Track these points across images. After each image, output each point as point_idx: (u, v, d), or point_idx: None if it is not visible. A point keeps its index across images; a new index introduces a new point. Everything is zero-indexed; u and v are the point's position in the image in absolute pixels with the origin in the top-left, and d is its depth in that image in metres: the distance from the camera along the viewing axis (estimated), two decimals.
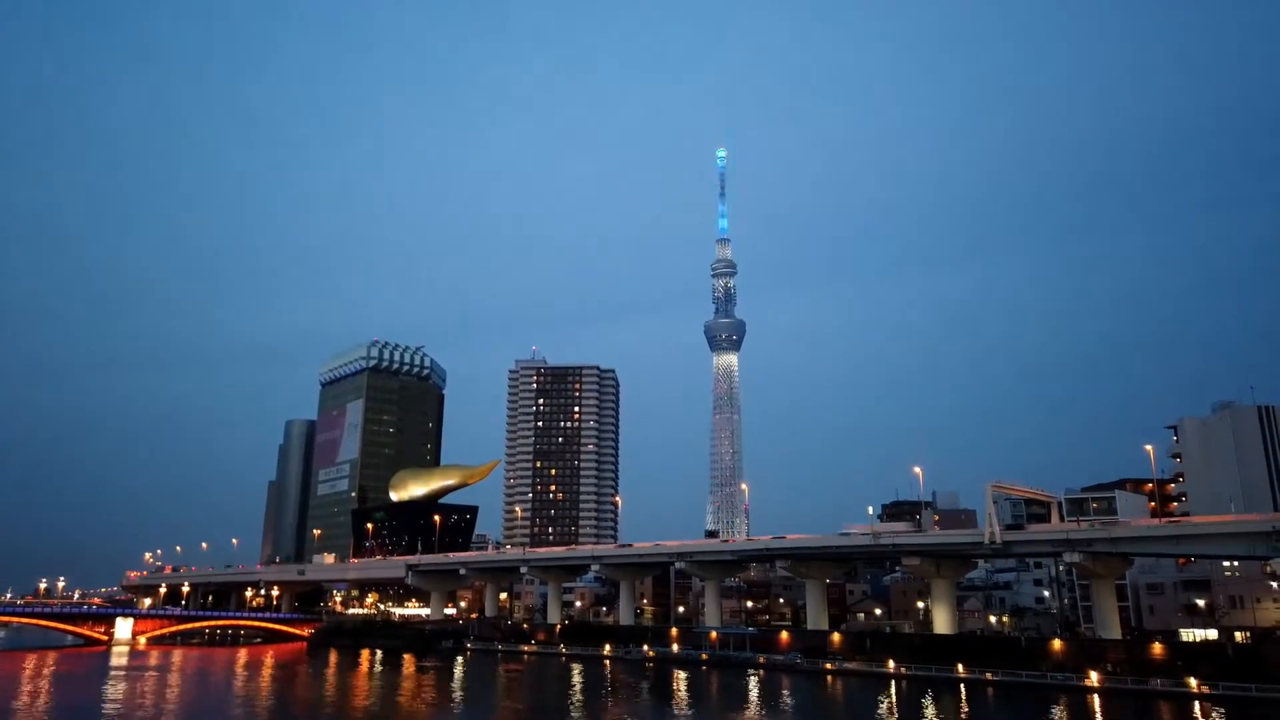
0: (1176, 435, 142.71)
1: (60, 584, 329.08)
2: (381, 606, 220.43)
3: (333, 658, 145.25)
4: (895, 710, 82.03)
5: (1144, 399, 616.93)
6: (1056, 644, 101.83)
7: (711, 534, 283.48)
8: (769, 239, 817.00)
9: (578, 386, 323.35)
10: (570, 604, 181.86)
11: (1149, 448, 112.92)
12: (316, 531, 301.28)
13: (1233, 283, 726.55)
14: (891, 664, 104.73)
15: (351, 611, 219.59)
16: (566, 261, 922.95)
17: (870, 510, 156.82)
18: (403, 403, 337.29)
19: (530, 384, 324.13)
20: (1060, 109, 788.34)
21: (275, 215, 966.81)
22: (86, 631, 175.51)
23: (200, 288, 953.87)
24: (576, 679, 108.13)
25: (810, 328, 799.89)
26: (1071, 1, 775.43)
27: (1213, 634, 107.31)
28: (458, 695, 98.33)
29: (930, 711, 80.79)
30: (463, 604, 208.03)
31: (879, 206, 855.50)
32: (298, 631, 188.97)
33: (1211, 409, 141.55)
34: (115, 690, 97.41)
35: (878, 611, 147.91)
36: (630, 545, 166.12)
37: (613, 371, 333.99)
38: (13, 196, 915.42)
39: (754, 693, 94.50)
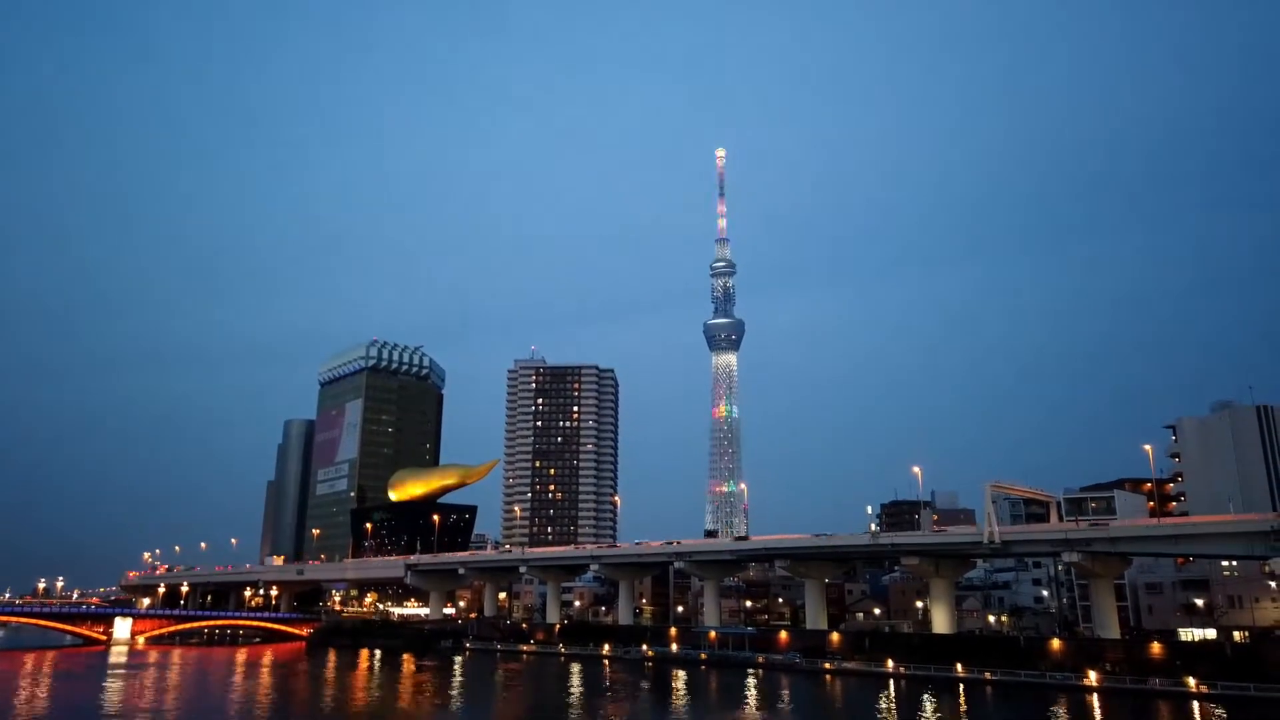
0: (1175, 435, 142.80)
1: (59, 584, 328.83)
2: (380, 606, 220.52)
3: (331, 657, 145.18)
4: (894, 710, 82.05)
5: (1143, 399, 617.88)
6: (1055, 643, 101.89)
7: (710, 534, 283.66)
8: (768, 239, 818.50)
9: (577, 386, 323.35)
10: (569, 604, 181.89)
11: (1148, 448, 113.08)
12: (315, 531, 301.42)
13: (1232, 283, 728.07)
14: (890, 663, 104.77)
15: (350, 611, 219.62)
16: (566, 261, 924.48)
17: (869, 510, 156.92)
18: (402, 402, 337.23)
19: (529, 384, 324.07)
20: (1060, 109, 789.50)
21: (275, 215, 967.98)
22: (85, 631, 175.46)
23: (200, 288, 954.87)
24: (575, 679, 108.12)
25: (810, 327, 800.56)
26: (1071, 1, 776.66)
27: (1211, 633, 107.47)
28: (457, 695, 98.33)
29: (929, 711, 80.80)
30: (462, 604, 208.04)
31: (879, 206, 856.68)
32: (296, 631, 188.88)
33: (1210, 409, 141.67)
34: (114, 690, 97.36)
35: (876, 611, 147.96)
36: (629, 545, 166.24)
37: (612, 371, 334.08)
38: (13, 196, 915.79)
39: (753, 692, 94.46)
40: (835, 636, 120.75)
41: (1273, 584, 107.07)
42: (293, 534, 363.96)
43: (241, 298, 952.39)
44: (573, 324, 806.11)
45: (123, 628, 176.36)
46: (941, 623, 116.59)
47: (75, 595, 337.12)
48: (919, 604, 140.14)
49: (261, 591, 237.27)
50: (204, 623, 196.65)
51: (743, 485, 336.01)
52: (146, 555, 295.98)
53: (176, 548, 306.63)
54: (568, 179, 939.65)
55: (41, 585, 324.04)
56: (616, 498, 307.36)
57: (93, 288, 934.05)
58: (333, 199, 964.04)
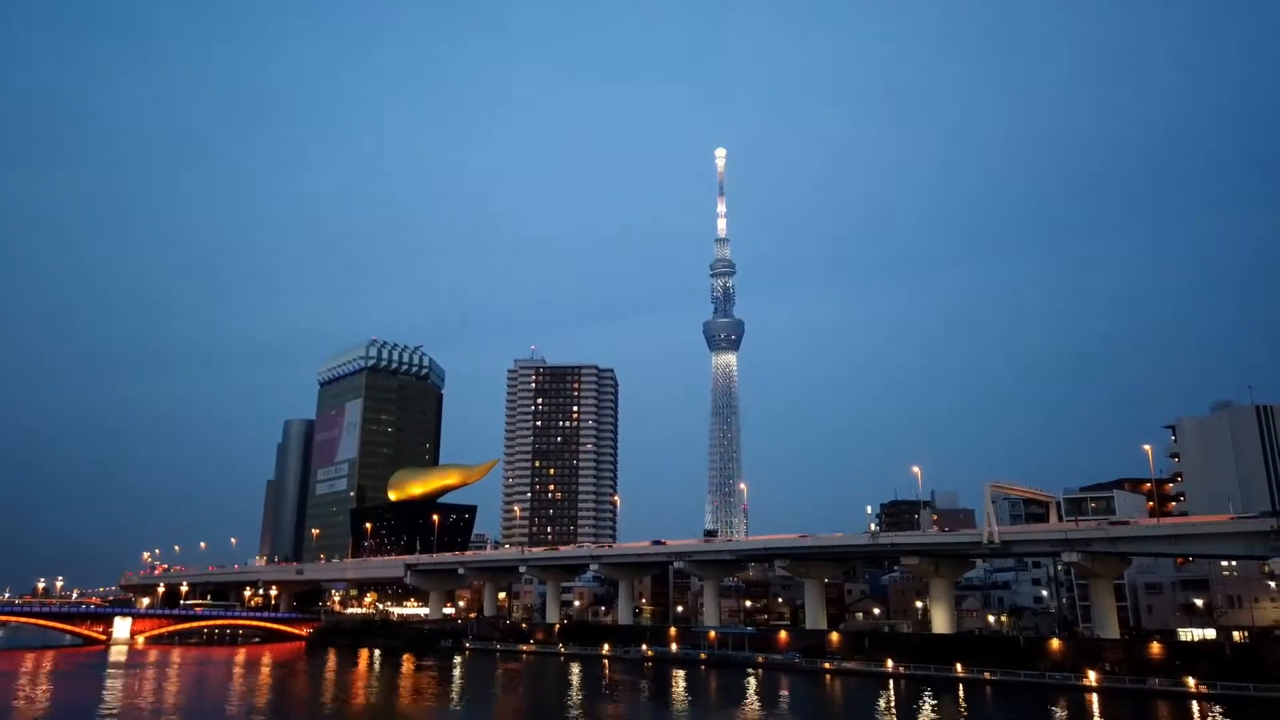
0: (1175, 435, 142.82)
1: (59, 583, 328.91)
2: (380, 606, 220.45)
3: (331, 657, 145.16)
4: (894, 710, 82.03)
5: (1143, 399, 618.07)
6: (1055, 643, 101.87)
7: (710, 534, 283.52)
8: (768, 239, 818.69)
9: (576, 386, 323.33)
10: (569, 604, 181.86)
11: (1147, 447, 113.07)
12: (315, 531, 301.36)
13: (1232, 283, 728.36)
14: (890, 663, 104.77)
15: (350, 611, 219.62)
16: (566, 261, 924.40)
17: (869, 510, 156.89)
18: (401, 402, 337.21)
19: (529, 383, 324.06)
20: (1059, 109, 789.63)
21: (275, 215, 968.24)
22: (85, 631, 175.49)
23: (200, 288, 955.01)
24: (575, 679, 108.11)
25: (809, 327, 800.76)
26: (1071, 1, 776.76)
27: (1211, 633, 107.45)
28: (456, 694, 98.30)
29: (929, 711, 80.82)
30: (461, 603, 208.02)
31: (879, 207, 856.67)
32: (296, 631, 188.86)
33: (1210, 409, 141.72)
34: (113, 689, 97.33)
35: (876, 611, 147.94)
36: (629, 545, 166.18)
37: (611, 371, 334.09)
38: (13, 196, 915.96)
39: (752, 692, 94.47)
40: (835, 636, 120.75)
41: (1272, 584, 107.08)
42: (292, 534, 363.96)
43: (241, 298, 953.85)
44: (572, 324, 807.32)
45: (122, 627, 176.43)
46: (941, 623, 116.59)
47: (75, 595, 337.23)
48: (918, 604, 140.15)
49: (261, 591, 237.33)
50: (203, 622, 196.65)
51: (742, 485, 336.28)
52: (146, 555, 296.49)
53: (176, 547, 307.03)
54: (568, 179, 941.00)
55: (41, 585, 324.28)
56: (616, 497, 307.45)
57: (93, 288, 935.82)
58: (333, 199, 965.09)
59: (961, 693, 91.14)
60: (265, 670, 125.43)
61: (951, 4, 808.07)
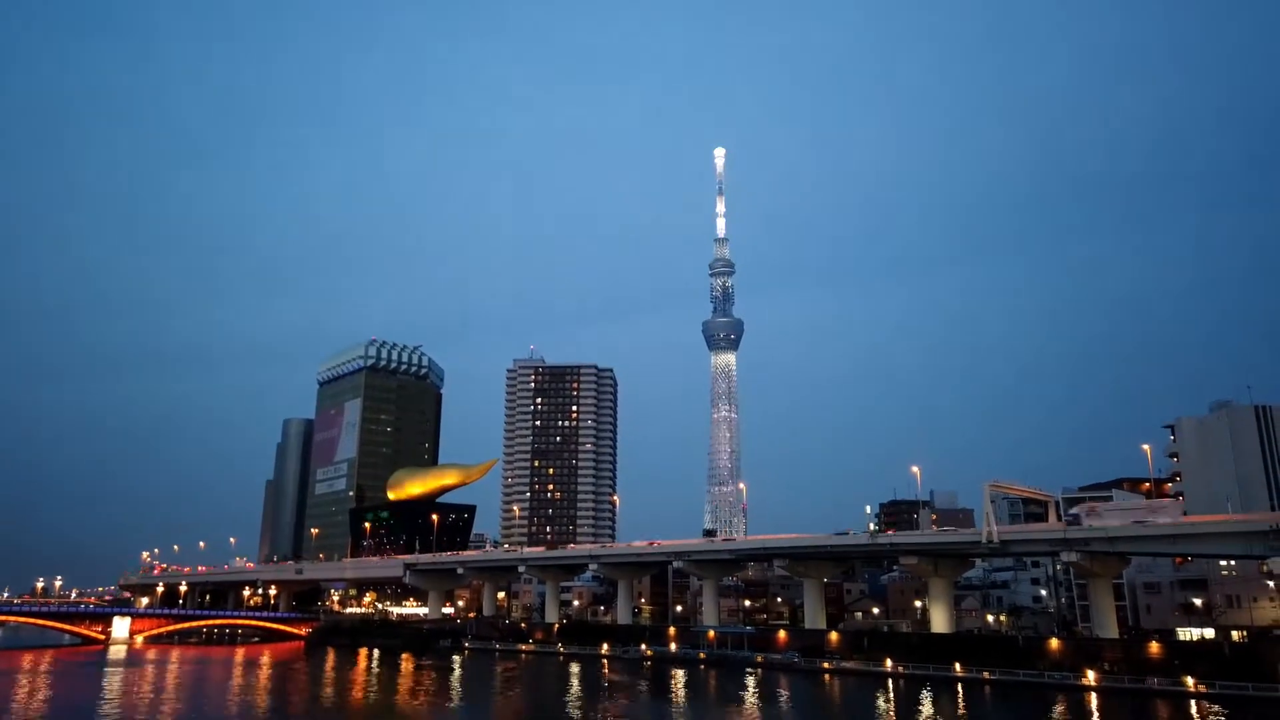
0: (1174, 435, 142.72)
1: (57, 583, 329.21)
2: (379, 606, 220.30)
3: (330, 657, 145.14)
4: (893, 709, 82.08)
5: (1142, 399, 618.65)
6: (1054, 643, 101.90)
7: (709, 533, 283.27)
8: (768, 239, 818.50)
9: (576, 386, 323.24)
10: (568, 603, 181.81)
11: (1146, 447, 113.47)
12: (314, 531, 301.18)
13: (1231, 283, 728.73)
14: (889, 663, 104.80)
15: (349, 611, 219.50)
16: (565, 261, 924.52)
17: (868, 510, 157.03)
18: (401, 402, 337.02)
19: (528, 383, 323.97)
20: (1059, 109, 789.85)
21: (275, 215, 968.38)
22: (84, 630, 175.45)
23: (200, 288, 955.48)
24: (574, 678, 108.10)
25: (809, 327, 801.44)
26: (1070, 1, 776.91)
27: (1210, 633, 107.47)
28: (455, 694, 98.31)
29: (928, 710, 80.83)
30: (460, 603, 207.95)
31: (878, 207, 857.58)
32: (295, 631, 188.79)
33: (1209, 409, 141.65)
34: (112, 689, 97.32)
35: (875, 611, 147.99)
36: (628, 544, 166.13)
37: (611, 371, 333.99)
38: (13, 196, 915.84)
39: (751, 692, 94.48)
40: (834, 636, 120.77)
41: (1271, 583, 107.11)
42: (291, 533, 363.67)
43: (241, 298, 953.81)
44: (572, 324, 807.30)
45: (121, 627, 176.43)
46: (940, 622, 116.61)
47: (73, 595, 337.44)
48: (917, 603, 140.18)
49: (260, 591, 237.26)
50: (202, 622, 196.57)
51: (742, 485, 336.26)
52: (145, 555, 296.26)
53: (175, 547, 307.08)
54: (568, 179, 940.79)
55: (40, 585, 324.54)
56: (615, 497, 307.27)
57: (93, 288, 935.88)
58: (333, 199, 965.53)
59: (960, 692, 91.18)
60: (264, 670, 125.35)
61: (951, 4, 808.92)
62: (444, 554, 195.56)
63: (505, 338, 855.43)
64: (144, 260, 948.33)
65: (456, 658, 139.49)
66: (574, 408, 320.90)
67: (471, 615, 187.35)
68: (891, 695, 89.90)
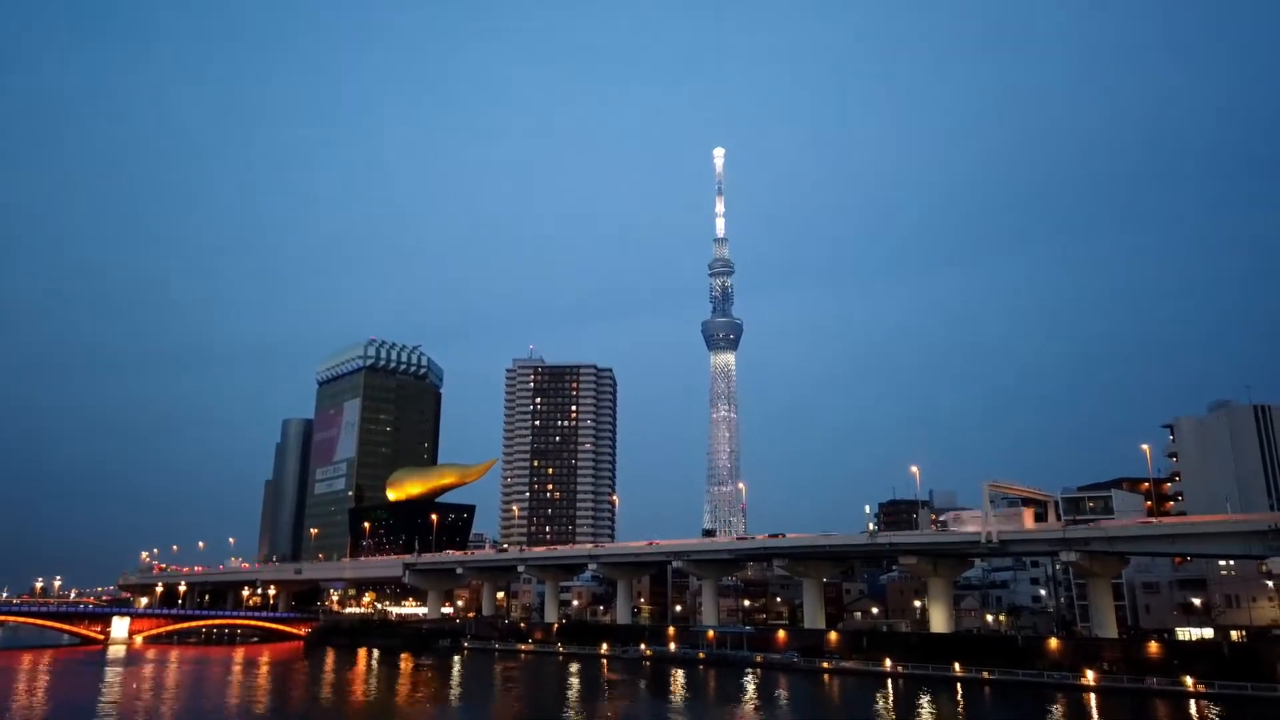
0: (1173, 434, 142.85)
1: (56, 583, 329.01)
2: (378, 605, 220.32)
3: (330, 657, 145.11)
4: (892, 709, 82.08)
5: (1141, 399, 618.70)
6: (1053, 643, 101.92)
7: (709, 533, 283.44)
8: (767, 239, 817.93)
9: (575, 385, 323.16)
10: (567, 603, 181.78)
11: (1145, 447, 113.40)
12: (313, 530, 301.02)
13: (1230, 283, 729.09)
14: (888, 663, 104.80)
15: (348, 610, 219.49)
16: (565, 261, 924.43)
17: (867, 509, 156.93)
18: (400, 402, 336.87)
19: (528, 383, 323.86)
20: (1059, 109, 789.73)
21: (275, 215, 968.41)
22: (83, 630, 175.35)
23: (200, 288, 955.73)
24: (574, 678, 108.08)
25: (808, 327, 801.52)
26: (1070, 2, 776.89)
27: (1209, 633, 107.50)
28: (455, 694, 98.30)
29: (927, 710, 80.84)
30: (460, 603, 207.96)
31: (878, 206, 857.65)
32: (294, 630, 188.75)
33: (1208, 408, 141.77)
34: (111, 688, 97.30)
35: (875, 610, 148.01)
36: (627, 544, 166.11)
37: (610, 370, 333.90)
38: (13, 197, 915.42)
39: (751, 691, 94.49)
40: (833, 636, 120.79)
41: (1270, 583, 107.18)
42: (291, 533, 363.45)
43: (241, 298, 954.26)
44: (571, 323, 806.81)
45: (120, 627, 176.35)
46: (939, 622, 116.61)
47: (73, 595, 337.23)
48: (917, 603, 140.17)
49: (259, 591, 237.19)
50: (201, 622, 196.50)
51: (741, 484, 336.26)
52: (144, 554, 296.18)
53: (174, 547, 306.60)
54: (568, 179, 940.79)
55: (39, 584, 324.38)
56: (615, 497, 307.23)
57: (93, 288, 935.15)
58: (333, 199, 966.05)
59: (960, 692, 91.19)
60: (263, 669, 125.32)
61: (951, 4, 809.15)
62: (443, 554, 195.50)
63: (505, 337, 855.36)
64: (144, 260, 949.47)
65: (456, 658, 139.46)
66: (573, 407, 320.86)
67: (471, 615, 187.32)
68: (891, 695, 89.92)
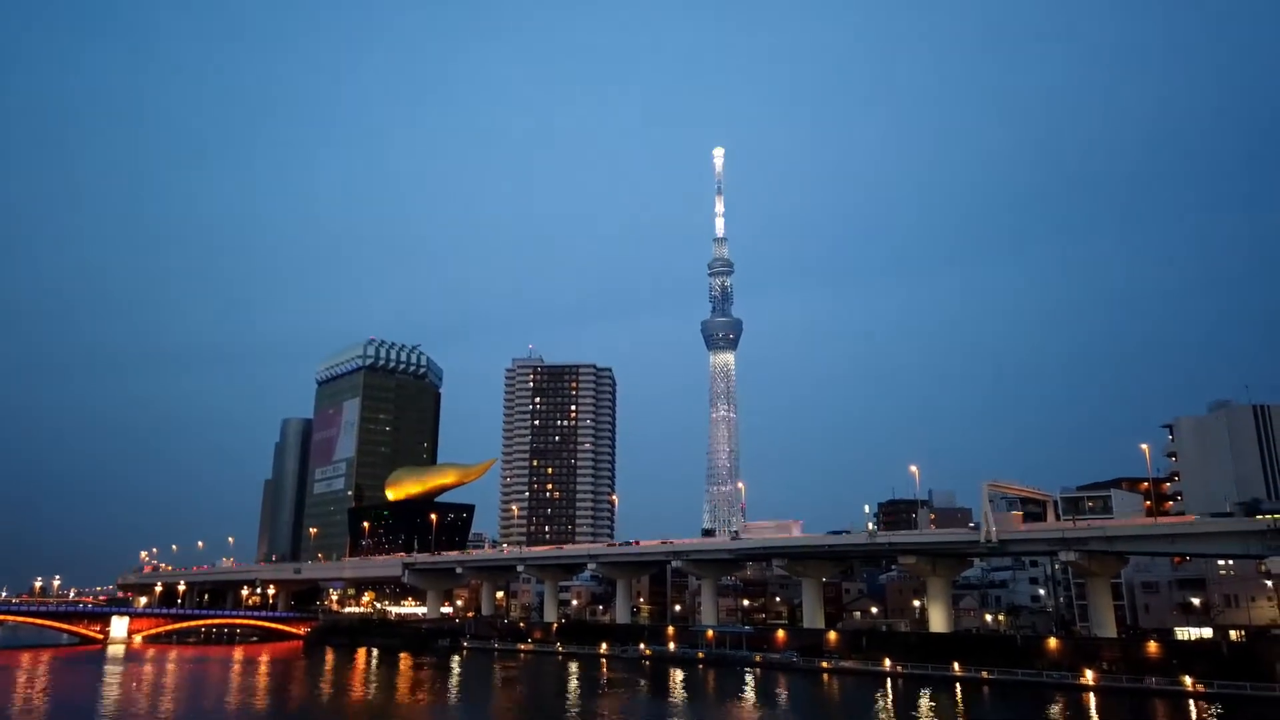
0: (1172, 434, 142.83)
1: (56, 583, 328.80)
2: (378, 605, 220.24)
3: (329, 656, 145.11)
4: (891, 709, 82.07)
5: (1140, 398, 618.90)
6: (1052, 642, 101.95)
7: (708, 533, 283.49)
8: (767, 238, 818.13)
9: (574, 385, 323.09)
10: (567, 603, 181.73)
11: (1144, 447, 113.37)
12: (313, 530, 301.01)
13: (1230, 282, 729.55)
14: (887, 662, 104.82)
15: (348, 610, 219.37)
16: (565, 261, 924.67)
17: (866, 509, 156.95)
18: (399, 401, 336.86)
19: (527, 383, 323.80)
20: (1059, 108, 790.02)
21: (275, 215, 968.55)
22: (82, 630, 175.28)
23: (200, 287, 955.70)
24: (573, 678, 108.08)
25: (808, 327, 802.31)
26: (1068, 1, 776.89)
27: (1208, 632, 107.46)
28: (454, 693, 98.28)
29: (926, 710, 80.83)
30: (459, 603, 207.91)
31: (878, 206, 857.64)
32: (294, 630, 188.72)
33: (1207, 408, 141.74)
34: (111, 688, 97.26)
35: (874, 610, 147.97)
36: (627, 544, 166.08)
37: (609, 370, 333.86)
38: (14, 197, 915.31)
39: (750, 691, 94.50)
40: (832, 635, 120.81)
41: (1269, 583, 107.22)
42: (290, 533, 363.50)
43: (241, 298, 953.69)
44: (571, 323, 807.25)
45: (120, 626, 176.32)
46: (938, 622, 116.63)
47: (72, 594, 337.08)
48: (916, 603, 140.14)
49: (259, 590, 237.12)
50: (201, 621, 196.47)
51: (740, 484, 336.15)
52: (143, 554, 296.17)
53: (173, 546, 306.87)
54: (568, 179, 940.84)
55: (39, 584, 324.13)
56: (614, 497, 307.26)
57: (93, 288, 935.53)
58: (333, 199, 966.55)
59: (959, 692, 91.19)
60: (263, 669, 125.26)
61: (951, 4, 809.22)
62: (442, 553, 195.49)
63: (504, 337, 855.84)
64: (144, 260, 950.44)
65: (455, 657, 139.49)
66: (573, 407, 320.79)
67: (470, 615, 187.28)
68: (890, 695, 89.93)
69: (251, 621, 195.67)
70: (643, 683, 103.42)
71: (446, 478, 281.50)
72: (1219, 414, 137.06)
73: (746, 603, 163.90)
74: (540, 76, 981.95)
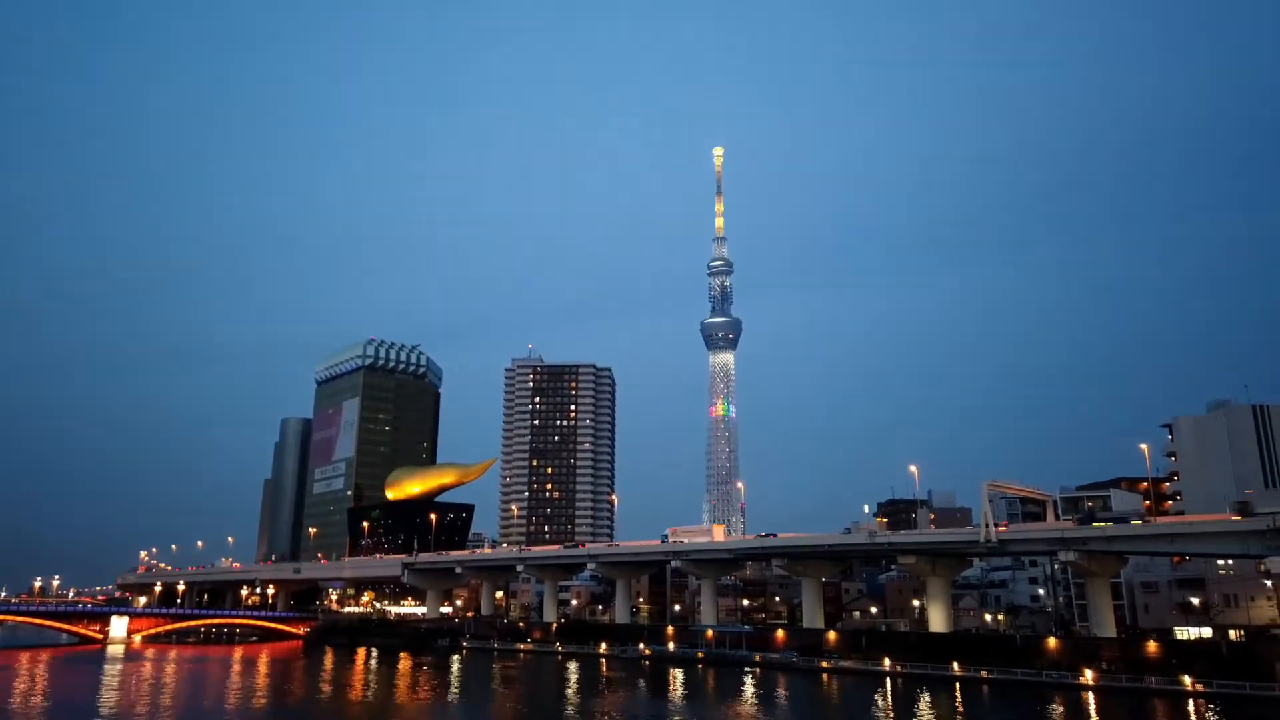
0: (1171, 434, 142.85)
1: (55, 582, 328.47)
2: (377, 605, 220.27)
3: (328, 656, 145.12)
4: (891, 708, 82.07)
5: (1140, 398, 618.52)
6: (1052, 642, 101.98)
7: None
8: (766, 238, 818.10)
9: (574, 385, 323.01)
10: (566, 602, 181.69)
11: (1144, 446, 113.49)
12: (312, 530, 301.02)
13: (1230, 281, 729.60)
14: (887, 662, 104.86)
15: (347, 610, 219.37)
16: (564, 261, 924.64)
17: (866, 509, 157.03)
18: (399, 401, 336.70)
19: (526, 382, 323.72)
20: (1057, 109, 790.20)
21: (276, 215, 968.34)
22: (82, 630, 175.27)
23: (201, 287, 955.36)
24: (572, 677, 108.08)
25: (807, 326, 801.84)
26: (1067, 2, 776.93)
27: (1207, 632, 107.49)
28: (453, 693, 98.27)
29: (926, 710, 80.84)
30: (459, 602, 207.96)
31: (877, 206, 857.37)
32: (293, 630, 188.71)
33: (1207, 408, 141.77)
34: (110, 688, 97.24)
35: (873, 610, 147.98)
36: (626, 543, 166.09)
37: (609, 370, 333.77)
38: (17, 197, 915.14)
39: (750, 691, 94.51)
40: (832, 635, 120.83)
41: (1268, 583, 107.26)
42: (290, 533, 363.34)
43: (242, 297, 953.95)
44: (570, 323, 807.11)
45: (119, 626, 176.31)
46: (938, 621, 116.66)
47: (71, 594, 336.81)
48: (916, 603, 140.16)
49: (258, 590, 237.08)
50: (200, 621, 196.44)
51: (740, 483, 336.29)
52: (143, 554, 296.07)
53: (173, 546, 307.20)
54: (567, 179, 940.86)
55: (38, 584, 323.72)
56: (614, 496, 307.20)
57: (93, 287, 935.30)
58: (334, 199, 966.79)
59: (958, 691, 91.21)
60: (262, 669, 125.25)
61: (949, 4, 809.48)
62: (442, 553, 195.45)
63: (504, 337, 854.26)
64: (145, 260, 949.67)
65: (454, 657, 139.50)
66: (572, 407, 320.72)
67: (470, 615, 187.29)
68: (889, 694, 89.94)
69: (251, 621, 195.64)
70: (642, 682, 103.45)
71: (446, 477, 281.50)
72: (1218, 414, 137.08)
73: (746, 602, 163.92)
74: (540, 76, 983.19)
